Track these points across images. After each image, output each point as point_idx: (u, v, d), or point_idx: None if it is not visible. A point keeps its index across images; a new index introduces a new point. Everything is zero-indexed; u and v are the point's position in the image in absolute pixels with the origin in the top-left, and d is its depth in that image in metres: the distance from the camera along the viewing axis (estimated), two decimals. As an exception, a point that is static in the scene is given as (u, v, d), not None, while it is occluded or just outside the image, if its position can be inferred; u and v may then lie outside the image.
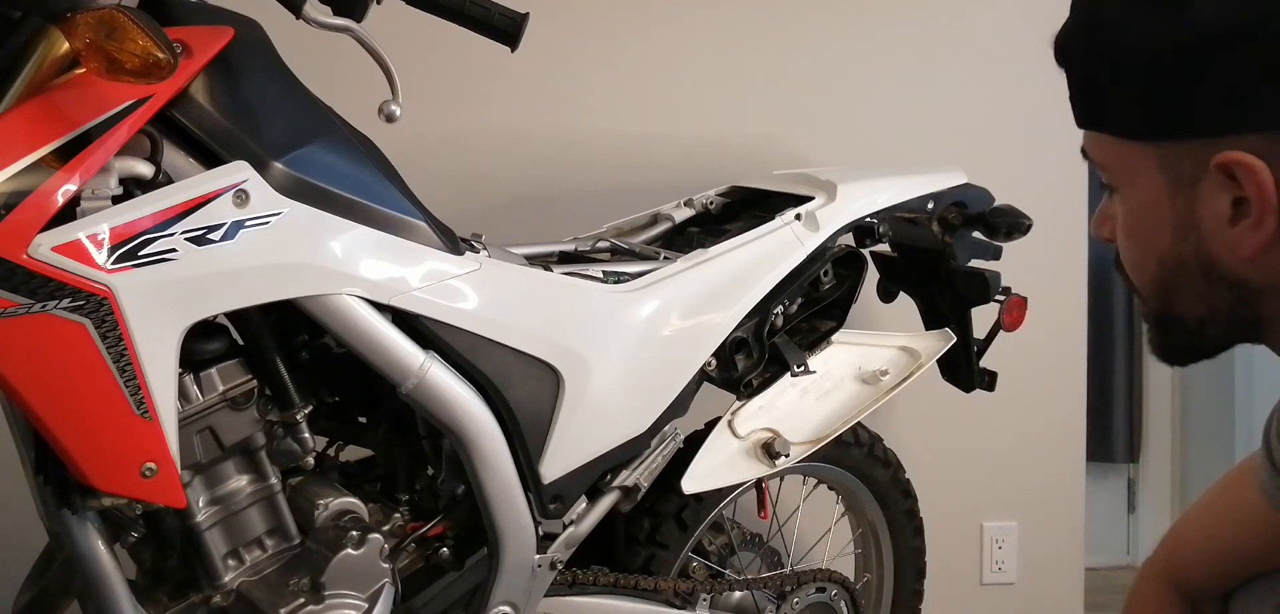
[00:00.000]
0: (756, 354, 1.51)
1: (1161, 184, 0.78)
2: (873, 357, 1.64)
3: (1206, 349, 0.85)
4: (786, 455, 1.54)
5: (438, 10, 1.21)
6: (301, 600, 1.20)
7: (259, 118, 1.15)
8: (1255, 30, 0.71)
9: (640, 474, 1.43)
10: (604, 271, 1.42)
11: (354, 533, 1.22)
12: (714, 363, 1.47)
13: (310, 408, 1.23)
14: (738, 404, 1.55)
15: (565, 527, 1.40)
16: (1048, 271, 2.13)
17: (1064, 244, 2.27)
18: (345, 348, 1.20)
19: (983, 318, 1.73)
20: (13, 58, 1.02)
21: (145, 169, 1.07)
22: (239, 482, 1.22)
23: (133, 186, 1.06)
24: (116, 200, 1.04)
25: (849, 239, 1.60)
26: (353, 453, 1.46)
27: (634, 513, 1.51)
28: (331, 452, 1.43)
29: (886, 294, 1.82)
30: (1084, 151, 0.86)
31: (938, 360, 1.69)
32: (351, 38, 1.17)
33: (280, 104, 1.19)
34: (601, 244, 1.58)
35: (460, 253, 1.28)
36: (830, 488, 1.79)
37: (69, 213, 1.01)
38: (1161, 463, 3.05)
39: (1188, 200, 0.77)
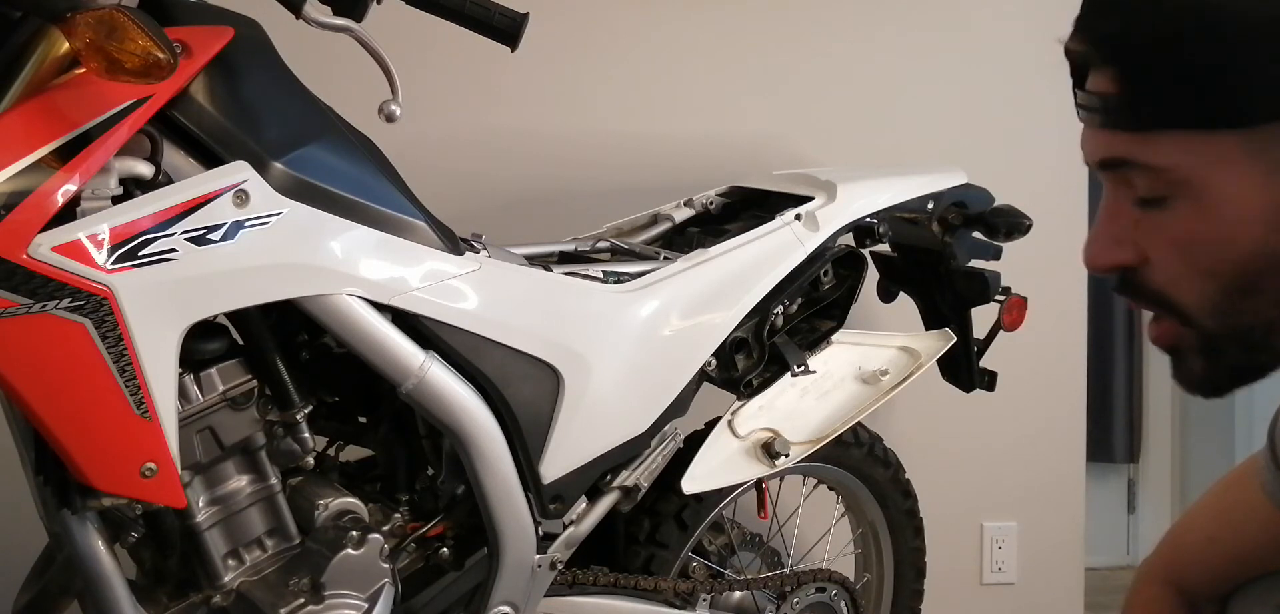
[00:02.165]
0: (756, 354, 1.51)
1: (1253, 172, 0.72)
2: (873, 357, 1.64)
3: (1262, 366, 0.79)
4: (786, 455, 1.54)
5: (438, 10, 1.21)
6: (301, 600, 1.20)
7: (259, 118, 1.15)
8: None
9: (640, 474, 1.43)
10: (604, 271, 1.42)
11: (354, 533, 1.22)
12: (714, 363, 1.47)
13: (310, 408, 1.23)
14: (738, 404, 1.55)
15: (565, 527, 1.40)
16: (1048, 272, 2.13)
17: (1064, 244, 2.26)
18: (345, 348, 1.20)
19: (983, 318, 1.73)
20: (13, 58, 1.02)
21: (145, 169, 1.07)
22: (239, 482, 1.22)
23: (133, 186, 1.06)
24: (116, 200, 1.04)
25: (849, 239, 1.60)
26: (353, 453, 1.46)
27: (634, 513, 1.51)
28: (331, 452, 1.43)
29: (886, 294, 1.82)
30: (1115, 163, 0.77)
31: (938, 360, 1.69)
32: (351, 38, 1.17)
33: (280, 104, 1.19)
34: (601, 244, 1.58)
35: (460, 253, 1.28)
36: (830, 488, 1.79)
37: (69, 213, 1.01)
38: (1161, 463, 3.04)
39: None
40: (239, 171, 1.10)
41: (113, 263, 1.02)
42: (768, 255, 1.49)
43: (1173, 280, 0.78)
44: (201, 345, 1.16)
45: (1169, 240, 0.77)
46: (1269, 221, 0.73)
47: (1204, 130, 0.73)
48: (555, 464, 1.34)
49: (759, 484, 1.67)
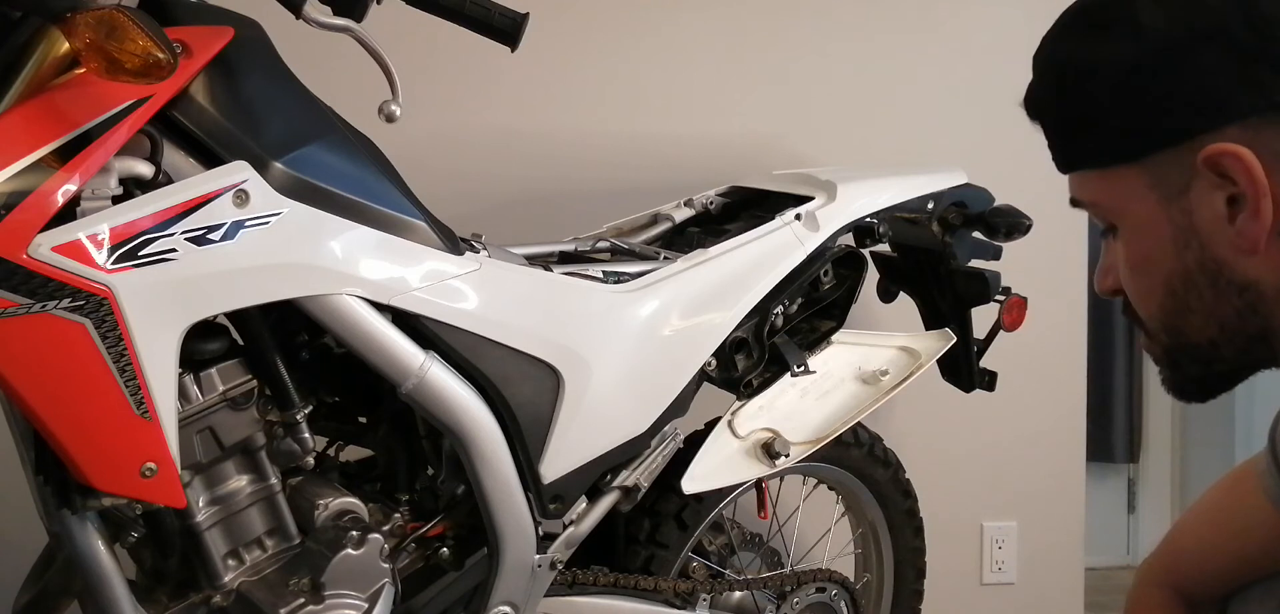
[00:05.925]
0: (756, 354, 1.51)
1: (1154, 200, 0.79)
2: (873, 357, 1.64)
3: (1224, 375, 0.85)
4: (786, 455, 1.54)
5: (438, 10, 1.21)
6: (301, 600, 1.20)
7: (259, 118, 1.15)
8: (1212, 29, 0.73)
9: (640, 474, 1.43)
10: (604, 271, 1.42)
11: (354, 533, 1.22)
12: (714, 363, 1.47)
13: (310, 408, 1.23)
14: (738, 404, 1.55)
15: (565, 527, 1.40)
16: (1048, 272, 2.13)
17: (1064, 244, 2.27)
18: (345, 348, 1.20)
19: (983, 318, 1.73)
20: (13, 58, 1.02)
21: (145, 169, 1.07)
22: (239, 482, 1.22)
23: (133, 186, 1.06)
24: (116, 200, 1.04)
25: (849, 239, 1.60)
26: (353, 453, 1.46)
27: (634, 513, 1.51)
28: (331, 452, 1.43)
29: (886, 294, 1.82)
30: (1075, 201, 0.87)
31: (938, 360, 1.69)
32: (351, 38, 1.17)
33: (280, 104, 1.19)
34: (601, 244, 1.58)
35: (460, 253, 1.28)
36: (830, 488, 1.79)
37: (69, 213, 1.00)
38: (1161, 463, 3.05)
39: (1183, 209, 0.78)
40: (239, 172, 1.10)
41: (113, 263, 1.02)
42: (768, 255, 1.49)
43: (1135, 300, 0.86)
44: (201, 345, 1.16)
45: (1124, 266, 0.85)
46: (1176, 242, 0.79)
47: (1110, 166, 0.81)
48: (555, 464, 1.34)
49: (759, 484, 1.67)
